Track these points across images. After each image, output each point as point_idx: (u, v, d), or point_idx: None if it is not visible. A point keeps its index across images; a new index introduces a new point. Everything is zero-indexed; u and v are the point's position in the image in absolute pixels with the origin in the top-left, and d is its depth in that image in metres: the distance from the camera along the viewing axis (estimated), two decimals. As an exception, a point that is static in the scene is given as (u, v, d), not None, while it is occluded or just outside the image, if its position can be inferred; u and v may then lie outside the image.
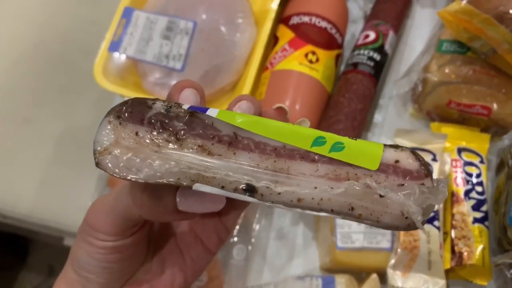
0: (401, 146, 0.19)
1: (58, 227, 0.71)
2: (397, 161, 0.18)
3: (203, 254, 0.25)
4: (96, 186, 0.57)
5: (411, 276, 0.43)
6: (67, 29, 0.78)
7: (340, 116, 0.47)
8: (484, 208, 0.47)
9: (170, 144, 0.19)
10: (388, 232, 0.46)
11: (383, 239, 0.45)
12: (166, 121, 0.19)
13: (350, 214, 0.18)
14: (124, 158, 0.18)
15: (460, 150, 0.49)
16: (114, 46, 0.50)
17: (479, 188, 0.47)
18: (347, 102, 0.48)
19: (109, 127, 0.19)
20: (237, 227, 0.44)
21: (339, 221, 0.46)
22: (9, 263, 1.17)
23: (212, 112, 0.20)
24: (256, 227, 0.46)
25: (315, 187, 0.18)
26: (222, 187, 0.18)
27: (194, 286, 0.42)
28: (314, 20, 0.52)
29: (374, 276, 0.45)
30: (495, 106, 0.48)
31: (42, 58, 0.78)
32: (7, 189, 0.76)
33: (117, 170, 0.18)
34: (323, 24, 0.52)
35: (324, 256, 0.47)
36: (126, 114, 0.19)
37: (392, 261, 0.44)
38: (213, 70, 0.50)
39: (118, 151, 0.18)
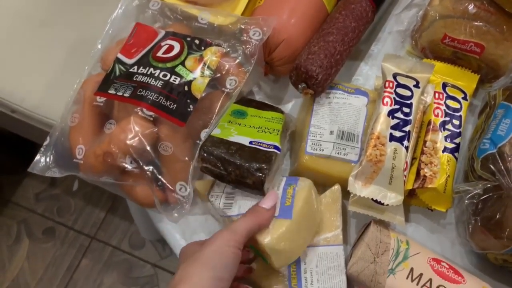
0: None
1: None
2: None
3: None
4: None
5: (371, 187, 0.44)
6: None
7: (332, 29, 0.48)
8: (457, 140, 0.47)
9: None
10: (358, 146, 0.47)
11: (351, 152, 0.47)
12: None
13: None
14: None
15: (445, 85, 0.50)
16: None
17: (456, 122, 0.48)
18: (342, 18, 0.48)
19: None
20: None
21: (313, 129, 0.47)
22: (15, 168, 1.22)
23: None
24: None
25: None
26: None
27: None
28: None
29: (337, 186, 0.47)
30: (489, 44, 0.48)
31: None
32: (17, 84, 0.80)
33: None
34: None
35: (294, 162, 0.49)
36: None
37: (355, 171, 0.45)
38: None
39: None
